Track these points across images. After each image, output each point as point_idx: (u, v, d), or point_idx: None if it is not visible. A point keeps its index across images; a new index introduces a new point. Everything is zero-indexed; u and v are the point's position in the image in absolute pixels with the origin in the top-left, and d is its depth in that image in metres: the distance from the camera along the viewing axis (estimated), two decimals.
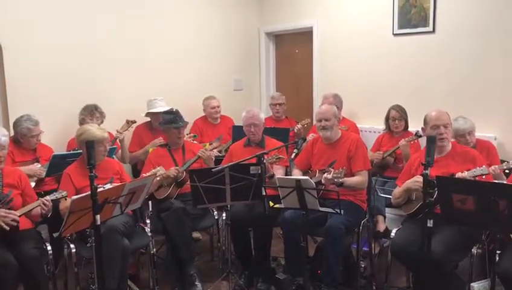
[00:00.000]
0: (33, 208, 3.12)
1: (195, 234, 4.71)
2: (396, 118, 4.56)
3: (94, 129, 3.51)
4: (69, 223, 2.68)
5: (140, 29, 5.23)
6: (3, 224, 2.89)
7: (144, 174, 3.71)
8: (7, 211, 2.96)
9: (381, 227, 4.20)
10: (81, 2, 4.76)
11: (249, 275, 3.79)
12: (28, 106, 4.26)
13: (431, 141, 2.65)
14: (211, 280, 3.86)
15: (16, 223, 2.96)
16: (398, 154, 4.44)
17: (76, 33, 4.74)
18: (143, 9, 5.24)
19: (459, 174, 3.06)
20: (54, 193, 3.20)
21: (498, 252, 2.93)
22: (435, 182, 2.51)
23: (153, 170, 3.68)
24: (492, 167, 3.32)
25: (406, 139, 4.29)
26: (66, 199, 3.25)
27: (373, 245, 3.97)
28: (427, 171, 2.49)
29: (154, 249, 3.74)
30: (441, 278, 2.91)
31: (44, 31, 4.53)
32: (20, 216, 3.06)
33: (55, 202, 3.21)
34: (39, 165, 3.99)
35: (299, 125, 5.07)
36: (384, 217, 4.29)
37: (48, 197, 3.12)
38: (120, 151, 4.54)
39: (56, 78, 4.62)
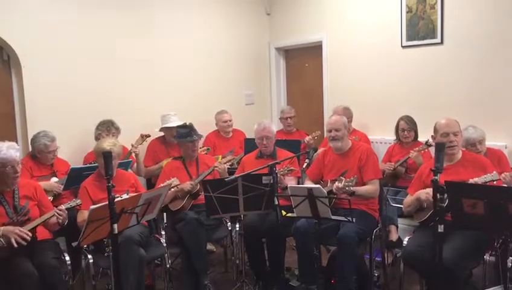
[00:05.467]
0: (49, 218, 3.21)
1: (209, 246, 4.76)
2: (406, 128, 4.61)
3: (104, 144, 3.59)
4: (88, 233, 2.75)
5: (154, 48, 5.37)
6: (13, 241, 2.95)
7: (160, 184, 3.80)
8: (22, 230, 3.01)
9: (393, 237, 4.21)
10: (98, 23, 4.92)
11: (263, 285, 3.82)
12: (45, 122, 4.38)
13: (440, 147, 2.69)
14: None
15: (24, 243, 3.00)
16: (410, 164, 4.47)
17: (93, 52, 4.89)
18: (156, 29, 5.39)
19: (470, 181, 3.08)
20: (69, 202, 3.29)
21: (511, 258, 2.95)
22: (445, 187, 2.54)
23: (168, 181, 3.76)
24: (503, 174, 3.34)
25: (416, 149, 4.33)
26: (80, 207, 3.35)
27: (386, 255, 3.98)
28: (436, 177, 2.52)
29: (170, 261, 3.79)
30: (454, 286, 2.92)
31: (61, 51, 4.68)
32: (37, 226, 3.16)
33: (72, 213, 3.29)
34: (56, 179, 4.09)
35: (309, 137, 5.14)
36: (397, 226, 4.30)
37: (62, 206, 3.21)
38: (135, 165, 4.63)
39: (73, 96, 4.76)
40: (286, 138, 5.31)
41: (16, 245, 2.95)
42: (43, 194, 3.44)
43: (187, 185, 3.92)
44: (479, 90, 4.56)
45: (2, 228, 3.01)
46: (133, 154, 4.58)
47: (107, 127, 4.54)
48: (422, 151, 4.32)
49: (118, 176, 3.61)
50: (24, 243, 2.99)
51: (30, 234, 3.04)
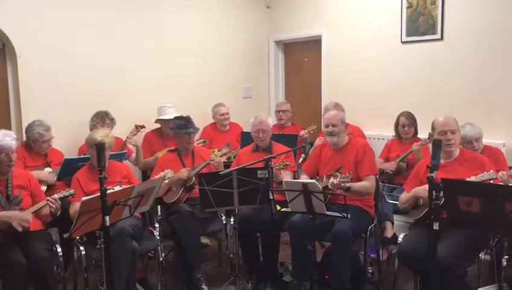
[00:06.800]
0: (41, 207, 3.19)
1: (204, 240, 4.73)
2: (406, 124, 4.59)
3: (96, 135, 3.57)
4: (79, 224, 2.72)
5: (151, 38, 5.33)
6: (19, 226, 2.97)
7: (155, 176, 3.77)
8: (23, 215, 3.03)
9: (389, 233, 4.18)
10: (96, 14, 4.87)
11: (256, 279, 3.80)
12: (40, 112, 4.33)
13: (437, 144, 2.66)
14: (218, 285, 3.88)
15: (27, 225, 3.03)
16: (410, 160, 4.45)
17: (90, 42, 4.84)
18: (153, 19, 5.34)
19: (466, 180, 3.06)
20: (62, 192, 3.26)
21: (506, 257, 2.94)
22: (441, 185, 2.52)
23: (162, 173, 3.72)
24: (500, 173, 3.31)
25: (419, 142, 4.31)
26: (73, 197, 3.33)
27: (381, 251, 3.97)
28: (432, 175, 2.49)
29: (163, 254, 3.77)
30: (448, 284, 2.90)
31: (58, 40, 4.63)
32: None
33: (65, 203, 3.27)
34: (50, 170, 4.06)
35: (304, 131, 5.11)
36: (392, 223, 4.28)
37: (55, 196, 3.19)
38: (133, 154, 4.62)
39: (68, 86, 4.72)
40: (279, 131, 5.27)
41: (20, 229, 2.98)
42: (36, 184, 3.42)
43: (183, 171, 3.89)
44: (479, 87, 4.53)
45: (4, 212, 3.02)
46: (130, 146, 4.55)
47: (101, 118, 4.50)
48: (425, 145, 4.30)
49: (110, 168, 3.58)
50: (27, 225, 3.01)
51: (31, 215, 3.07)
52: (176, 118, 4.30)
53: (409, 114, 4.63)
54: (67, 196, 3.27)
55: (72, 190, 3.31)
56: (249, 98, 6.37)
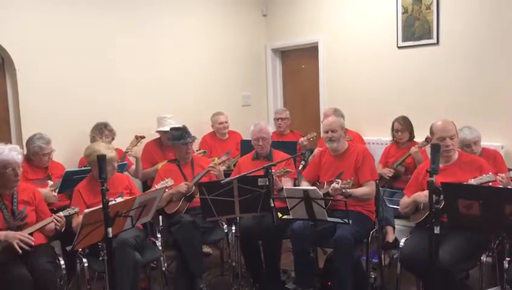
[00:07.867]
0: (46, 224, 3.19)
1: (206, 249, 4.73)
2: (400, 129, 4.63)
3: (102, 150, 3.55)
4: (82, 237, 2.73)
5: (150, 48, 5.36)
6: (17, 246, 2.96)
7: (155, 185, 3.78)
8: (26, 235, 3.03)
9: (390, 238, 4.20)
10: (94, 26, 4.90)
11: (259, 287, 3.80)
12: (40, 124, 4.35)
13: (436, 148, 2.67)
14: None
15: (28, 249, 3.02)
16: (408, 163, 4.47)
17: (88, 54, 4.88)
18: (152, 29, 5.37)
19: (466, 183, 3.07)
20: (67, 209, 3.28)
21: (507, 259, 2.95)
22: (441, 189, 2.53)
23: (162, 182, 3.74)
24: (500, 176, 3.33)
25: (417, 145, 4.34)
26: (78, 215, 3.33)
27: (383, 256, 3.97)
28: (432, 179, 2.51)
29: (166, 264, 3.77)
30: (451, 288, 2.91)
31: (56, 53, 4.67)
32: (34, 232, 3.14)
33: (68, 218, 3.28)
34: (51, 183, 4.06)
35: (303, 138, 5.13)
36: (394, 227, 4.29)
37: (60, 214, 3.20)
38: (133, 166, 4.63)
39: (67, 98, 4.75)
40: (279, 139, 5.28)
41: (20, 251, 2.96)
42: (41, 200, 3.42)
43: (182, 186, 3.90)
44: (475, 90, 4.56)
45: (3, 233, 3.00)
46: (129, 157, 4.57)
47: (99, 130, 4.52)
48: (423, 148, 4.32)
49: (111, 179, 3.58)
50: (28, 248, 2.99)
51: (33, 239, 3.05)
52: (172, 129, 4.32)
53: (402, 119, 4.66)
54: (72, 214, 3.29)
55: (77, 208, 3.32)
56: (248, 106, 6.39)
